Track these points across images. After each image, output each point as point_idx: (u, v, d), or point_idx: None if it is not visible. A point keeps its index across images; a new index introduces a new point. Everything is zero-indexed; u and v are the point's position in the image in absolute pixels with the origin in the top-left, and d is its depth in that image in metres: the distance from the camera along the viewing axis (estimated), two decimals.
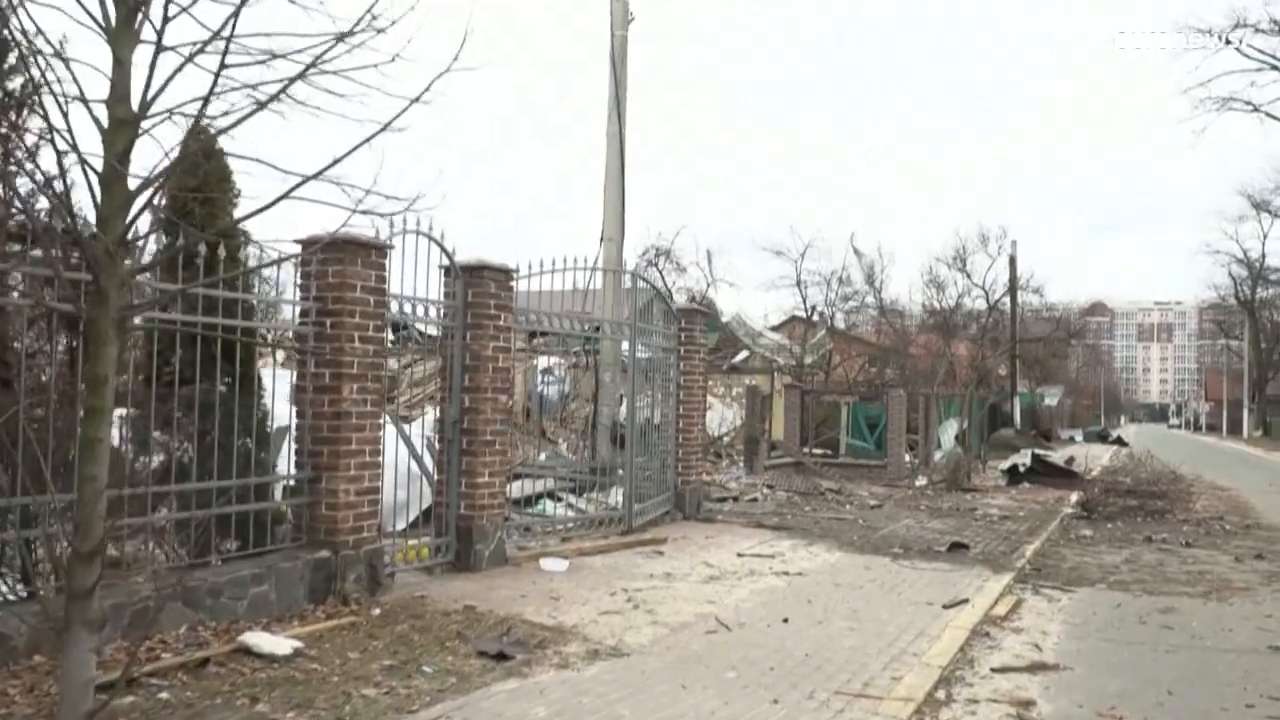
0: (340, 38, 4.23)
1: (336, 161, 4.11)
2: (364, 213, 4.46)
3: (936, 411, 23.33)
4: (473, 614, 6.50)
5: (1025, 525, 12.66)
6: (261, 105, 4.38)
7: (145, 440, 6.29)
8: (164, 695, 4.60)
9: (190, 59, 4.25)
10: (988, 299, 39.71)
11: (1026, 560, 9.83)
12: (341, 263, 6.79)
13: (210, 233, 6.58)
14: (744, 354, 28.88)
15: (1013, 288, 38.25)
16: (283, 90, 4.37)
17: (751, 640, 6.12)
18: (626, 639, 6.02)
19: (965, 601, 7.49)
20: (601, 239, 13.99)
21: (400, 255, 7.47)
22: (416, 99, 4.25)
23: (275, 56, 4.47)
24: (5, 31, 4.76)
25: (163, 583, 5.50)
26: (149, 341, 6.43)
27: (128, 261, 4.29)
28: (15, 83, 4.96)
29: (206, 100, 4.10)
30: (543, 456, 15.45)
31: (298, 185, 4.15)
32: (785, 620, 6.67)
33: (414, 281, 7.68)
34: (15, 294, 4.79)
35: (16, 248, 5.23)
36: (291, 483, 6.91)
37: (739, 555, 9.37)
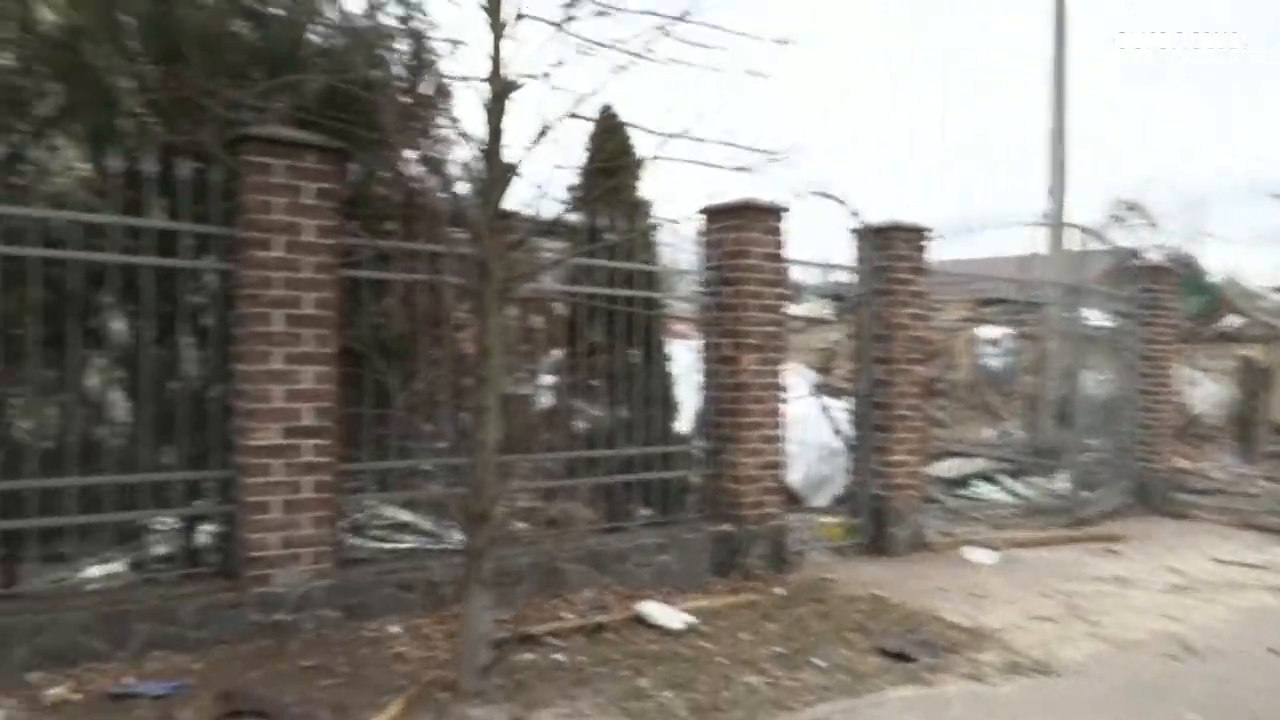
0: None
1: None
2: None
3: None
4: (879, 604, 5.97)
5: None
6: (634, 56, 4.25)
7: (566, 408, 6.63)
8: (558, 656, 4.71)
9: (559, 25, 4.22)
10: None
11: None
12: (739, 229, 6.58)
13: (615, 206, 6.74)
14: (1237, 319, 24.45)
15: None
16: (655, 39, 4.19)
17: (1225, 673, 4.87)
18: (1058, 653, 5.11)
19: None
20: (1048, 193, 12.46)
21: (805, 219, 7.11)
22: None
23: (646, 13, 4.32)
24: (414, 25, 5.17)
25: (566, 546, 5.72)
26: (573, 314, 6.76)
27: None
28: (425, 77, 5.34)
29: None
30: (991, 434, 14.25)
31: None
32: (1276, 652, 5.25)
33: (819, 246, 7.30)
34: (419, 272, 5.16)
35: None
36: (697, 454, 6.88)
37: (1216, 561, 7.70)
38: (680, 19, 4.26)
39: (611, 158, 7.13)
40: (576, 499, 7.03)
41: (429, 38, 5.36)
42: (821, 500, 9.49)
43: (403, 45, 5.48)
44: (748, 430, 6.57)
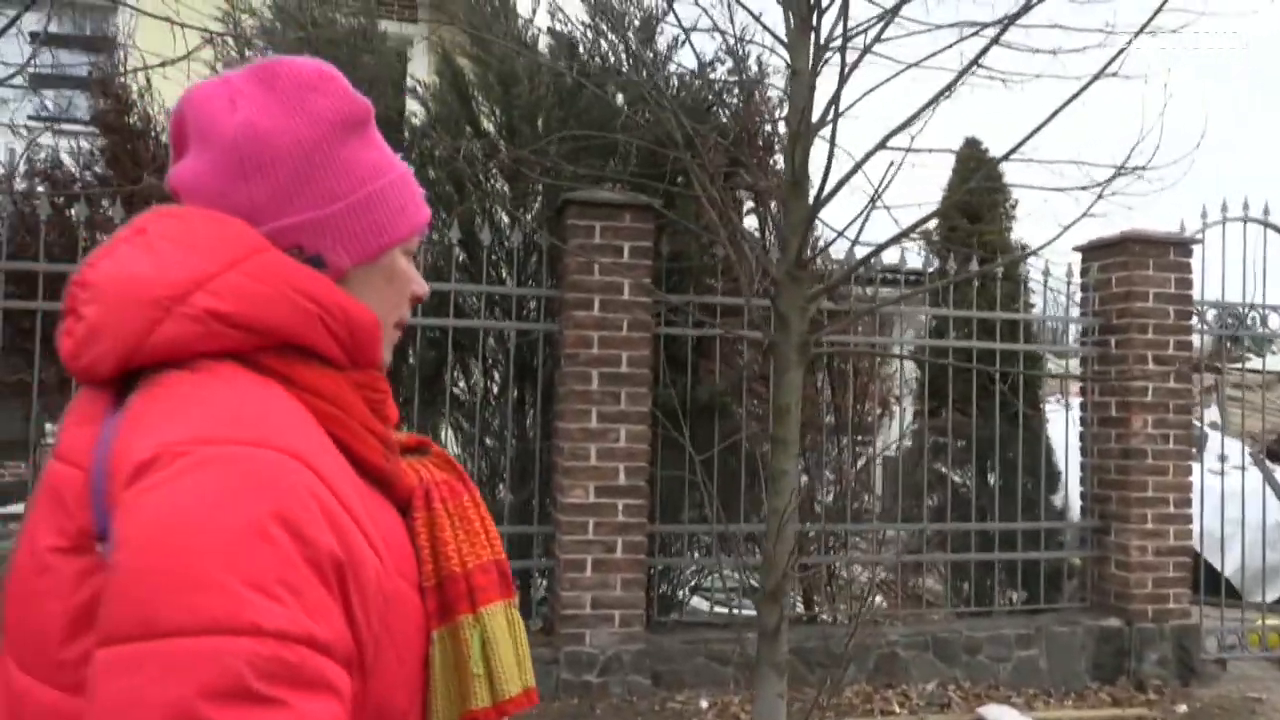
0: None
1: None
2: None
3: None
4: None
5: None
6: (960, 73, 3.74)
7: (922, 475, 6.01)
8: None
9: (867, 50, 3.84)
10: None
11: None
12: (1126, 267, 5.56)
13: (977, 248, 6.07)
14: None
15: None
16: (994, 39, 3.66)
17: None
18: None
19: None
20: None
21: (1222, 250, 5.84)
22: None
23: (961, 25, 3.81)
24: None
25: (906, 630, 5.10)
26: (923, 371, 6.19)
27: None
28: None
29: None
30: None
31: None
32: None
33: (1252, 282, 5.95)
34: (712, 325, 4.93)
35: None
36: (1078, 534, 5.87)
37: None
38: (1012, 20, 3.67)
39: (975, 195, 6.49)
40: (933, 577, 6.36)
41: (758, 84, 5.20)
42: (1271, 594, 7.68)
43: (730, 98, 5.39)
44: (1140, 507, 5.47)
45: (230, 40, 4.69)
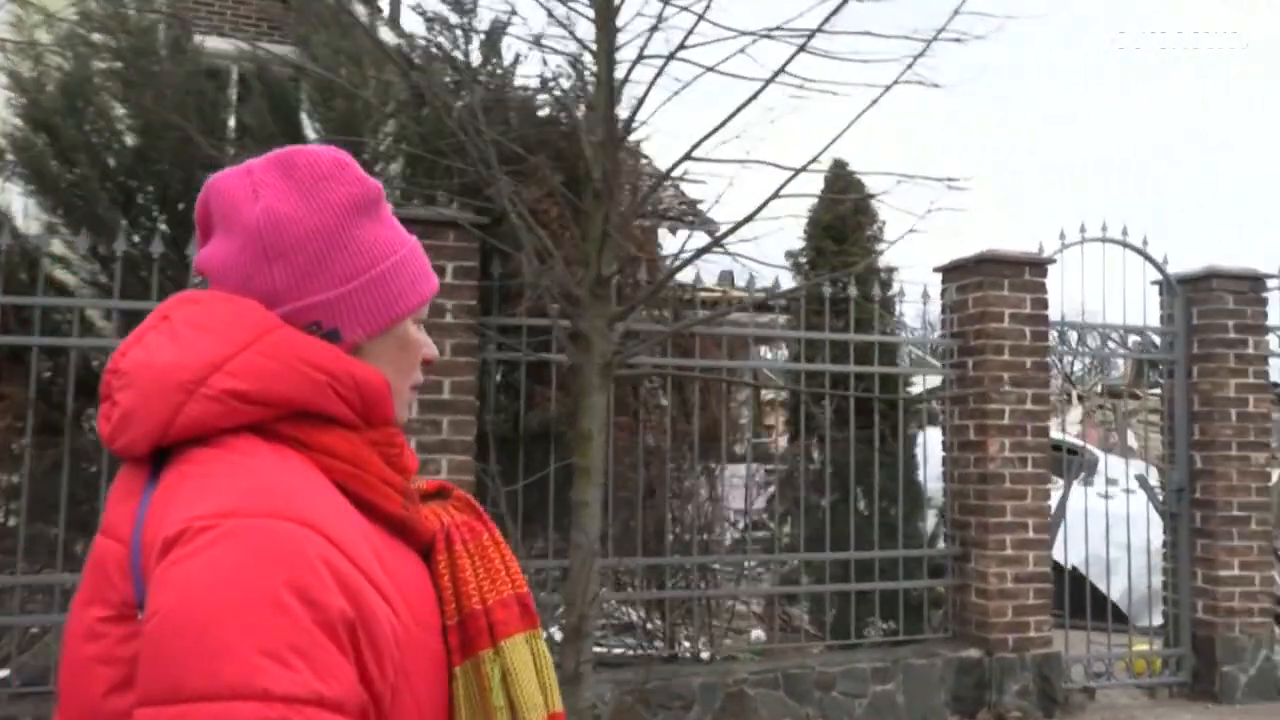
0: None
1: None
2: None
3: None
4: None
5: None
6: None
7: (782, 503, 5.82)
8: None
9: (671, 57, 3.66)
10: None
11: None
12: (981, 288, 5.46)
13: (842, 269, 5.93)
14: None
15: None
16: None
17: None
18: None
19: None
20: None
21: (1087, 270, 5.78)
22: None
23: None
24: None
25: (751, 667, 4.88)
26: (794, 398, 6.02)
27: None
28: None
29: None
30: None
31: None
32: None
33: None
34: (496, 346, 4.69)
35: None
36: (940, 562, 5.72)
37: None
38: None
39: (840, 215, 6.38)
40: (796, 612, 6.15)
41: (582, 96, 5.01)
42: (1158, 618, 7.61)
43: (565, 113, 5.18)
44: (999, 533, 5.33)
45: (22, 47, 4.37)
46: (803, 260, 6.40)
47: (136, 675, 0.77)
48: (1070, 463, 7.75)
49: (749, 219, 3.46)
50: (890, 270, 6.65)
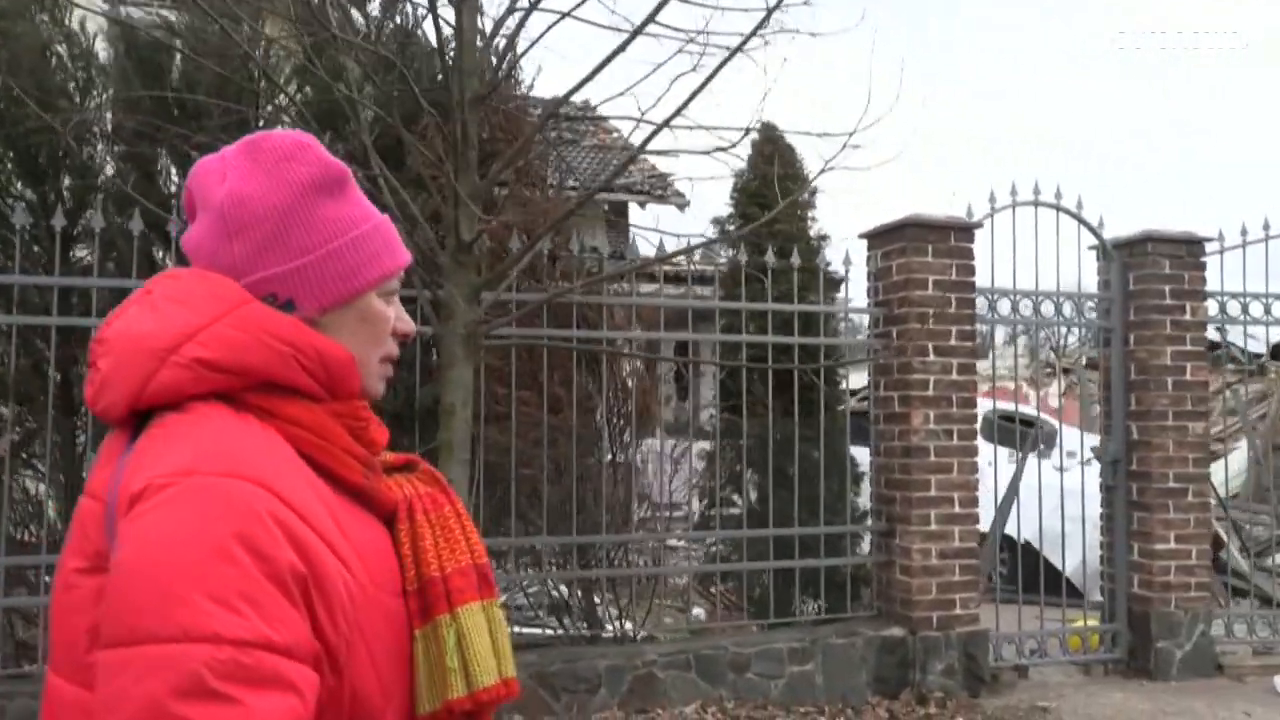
0: None
1: None
2: None
3: None
4: None
5: None
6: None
7: (710, 477, 5.62)
8: None
9: (533, 8, 3.44)
10: None
11: None
12: (905, 254, 5.26)
13: (769, 239, 5.70)
14: None
15: None
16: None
17: None
18: None
19: None
20: None
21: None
22: None
23: None
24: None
25: (661, 647, 4.69)
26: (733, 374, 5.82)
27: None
28: None
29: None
30: None
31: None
32: None
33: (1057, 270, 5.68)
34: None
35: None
36: (867, 537, 5.54)
37: None
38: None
39: (768, 183, 6.16)
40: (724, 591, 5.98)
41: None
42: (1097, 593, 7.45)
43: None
44: (923, 508, 5.15)
45: None
46: (730, 228, 6.20)
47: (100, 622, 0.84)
48: (1025, 435, 7.59)
49: (608, 181, 3.24)
50: (821, 239, 6.47)
